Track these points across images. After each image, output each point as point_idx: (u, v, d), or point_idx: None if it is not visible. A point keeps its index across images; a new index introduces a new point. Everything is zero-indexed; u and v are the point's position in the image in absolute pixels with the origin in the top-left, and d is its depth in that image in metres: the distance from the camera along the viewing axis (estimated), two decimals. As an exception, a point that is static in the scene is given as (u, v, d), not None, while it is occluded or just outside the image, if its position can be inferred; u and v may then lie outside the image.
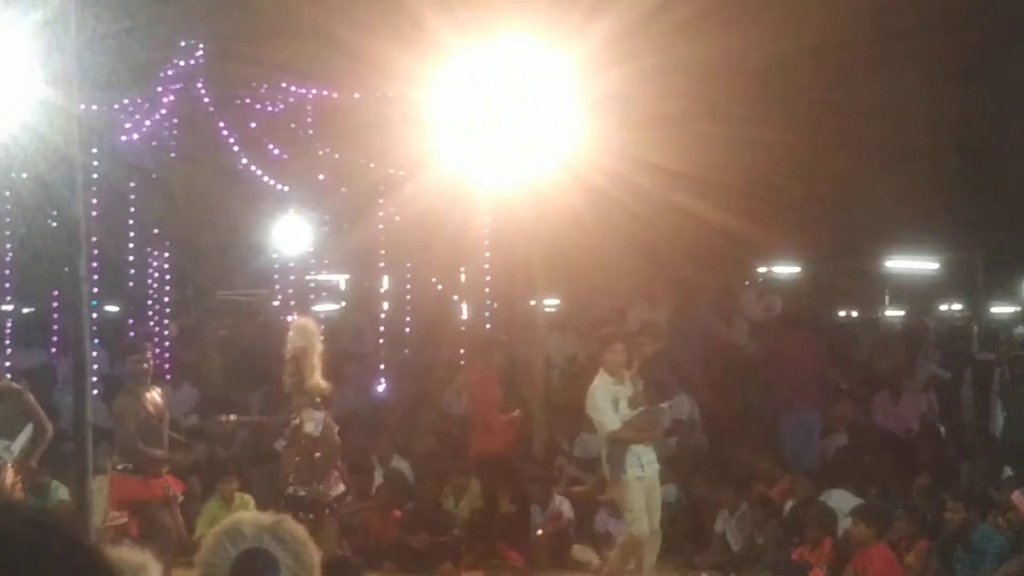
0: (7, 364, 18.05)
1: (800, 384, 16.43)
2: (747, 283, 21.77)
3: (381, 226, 19.54)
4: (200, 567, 4.44)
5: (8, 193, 16.90)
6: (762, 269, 22.42)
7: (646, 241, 17.45)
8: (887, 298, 27.97)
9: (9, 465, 11.91)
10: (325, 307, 21.76)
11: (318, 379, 11.85)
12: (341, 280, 24.32)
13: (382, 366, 19.38)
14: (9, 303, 19.82)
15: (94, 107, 15.95)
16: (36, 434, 12.33)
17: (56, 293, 19.07)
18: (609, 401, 12.54)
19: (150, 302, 20.58)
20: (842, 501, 13.76)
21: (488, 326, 18.90)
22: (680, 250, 18.42)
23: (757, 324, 19.12)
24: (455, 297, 21.06)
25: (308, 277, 21.00)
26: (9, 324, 19.72)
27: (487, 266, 18.99)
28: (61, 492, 13.69)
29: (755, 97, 16.46)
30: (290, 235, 19.67)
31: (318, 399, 11.84)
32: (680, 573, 14.05)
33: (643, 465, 12.56)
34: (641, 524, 12.45)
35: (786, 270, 23.35)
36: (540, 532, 14.40)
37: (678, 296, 19.19)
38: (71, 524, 2.08)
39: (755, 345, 18.28)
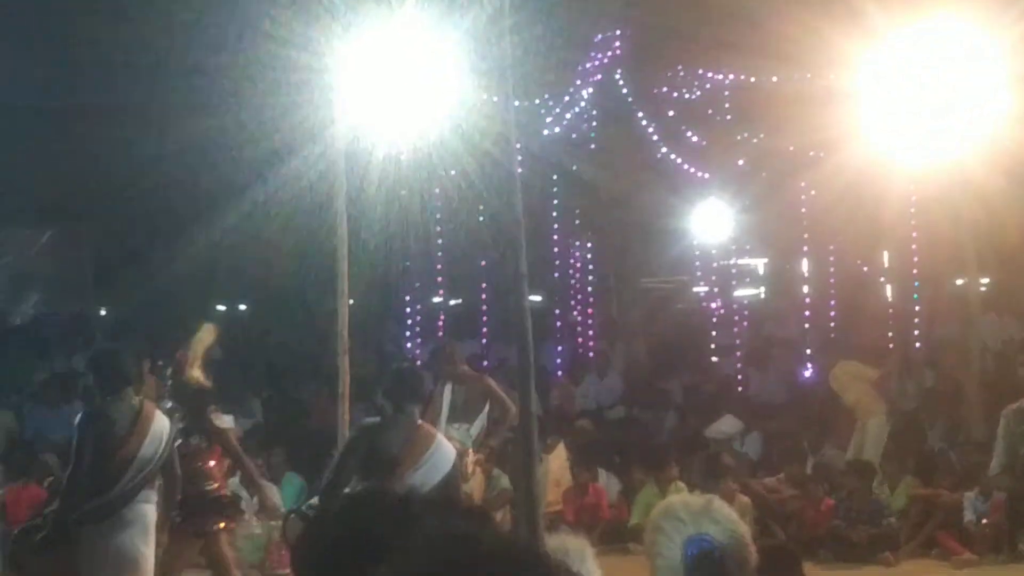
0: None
1: None
2: None
3: (804, 209, 19.29)
4: (651, 556, 4.48)
5: (438, 191, 17.48)
6: None
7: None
8: None
9: (470, 449, 12.12)
10: (745, 292, 21.68)
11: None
12: (759, 264, 24.11)
13: (808, 351, 19.14)
14: (440, 296, 20.62)
15: (516, 103, 16.37)
16: (498, 414, 12.50)
17: (483, 286, 19.70)
18: None
19: (573, 292, 21.04)
20: None
21: (917, 307, 18.45)
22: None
23: None
24: (880, 279, 20.61)
25: (728, 262, 20.97)
26: (441, 316, 20.54)
27: (913, 246, 18.48)
28: (503, 481, 13.99)
29: None
30: (710, 221, 19.69)
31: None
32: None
33: None
34: None
35: None
36: (984, 521, 13.87)
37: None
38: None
39: None
